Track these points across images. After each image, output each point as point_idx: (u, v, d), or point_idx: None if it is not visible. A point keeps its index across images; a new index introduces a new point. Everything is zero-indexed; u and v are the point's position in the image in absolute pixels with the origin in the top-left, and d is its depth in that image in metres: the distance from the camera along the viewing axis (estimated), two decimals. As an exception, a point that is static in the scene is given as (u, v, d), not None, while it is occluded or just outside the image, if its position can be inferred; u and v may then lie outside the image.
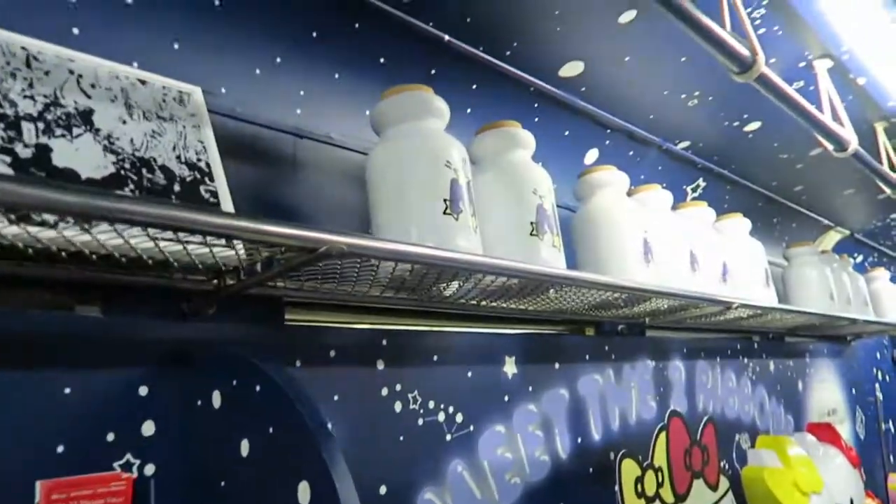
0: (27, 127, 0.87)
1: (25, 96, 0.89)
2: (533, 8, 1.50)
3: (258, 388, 0.89)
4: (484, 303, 1.42)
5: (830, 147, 2.08)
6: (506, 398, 1.52)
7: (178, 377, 1.01)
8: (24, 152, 0.85)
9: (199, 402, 0.98)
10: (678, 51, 1.81)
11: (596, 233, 1.64)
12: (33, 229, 0.77)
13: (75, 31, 0.99)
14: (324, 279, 1.10)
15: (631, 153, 2.18)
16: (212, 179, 1.03)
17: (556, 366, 1.68)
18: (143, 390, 0.99)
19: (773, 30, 1.86)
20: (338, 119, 1.37)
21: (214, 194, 1.02)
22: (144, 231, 0.77)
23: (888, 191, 2.66)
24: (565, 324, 1.87)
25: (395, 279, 1.18)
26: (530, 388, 1.59)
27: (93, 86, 0.96)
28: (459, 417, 1.40)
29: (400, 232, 1.18)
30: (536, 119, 1.79)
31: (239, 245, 0.93)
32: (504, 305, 1.47)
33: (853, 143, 2.08)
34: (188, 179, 1.00)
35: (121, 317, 0.99)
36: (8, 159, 0.83)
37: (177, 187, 0.98)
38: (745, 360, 2.61)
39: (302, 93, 1.30)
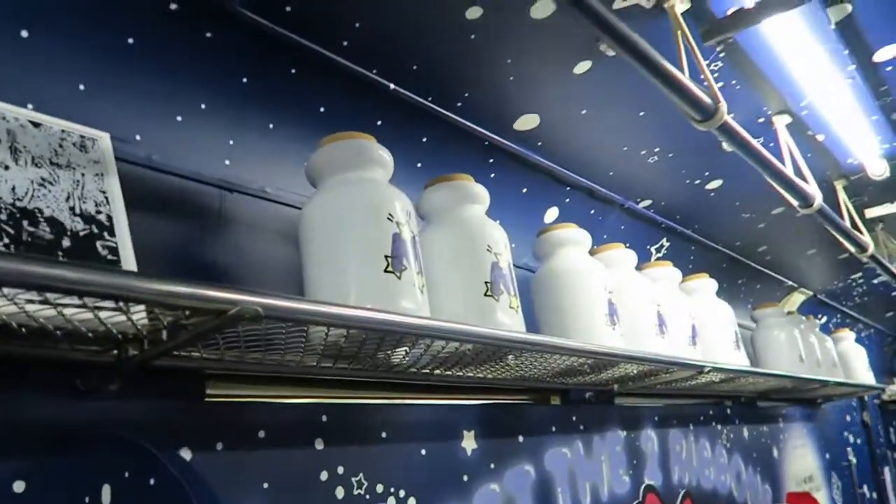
0: None
1: None
2: (482, 56, 1.43)
3: (152, 481, 0.74)
4: (437, 371, 1.28)
5: (796, 203, 2.04)
6: (465, 478, 1.37)
7: (64, 469, 0.84)
8: None
9: (87, 500, 0.81)
10: (636, 103, 1.76)
11: (557, 294, 1.53)
12: None
13: (-45, 65, 0.87)
14: (247, 347, 0.96)
15: (592, 212, 2.11)
16: (112, 234, 0.89)
17: (520, 439, 1.54)
18: (18, 486, 0.82)
19: (731, 83, 1.83)
20: (272, 172, 1.25)
21: (114, 251, 0.88)
22: None
23: (852, 249, 2.62)
24: (529, 392, 1.74)
25: (330, 346, 1.04)
26: (492, 465, 1.44)
27: (-29, 127, 0.83)
28: (412, 502, 1.24)
29: (335, 292, 1.05)
30: (492, 175, 1.70)
31: (137, 309, 0.79)
32: (460, 374, 1.33)
33: (818, 199, 2.03)
34: (82, 234, 0.86)
35: (-6, 396, 0.83)
36: None
37: (66, 242, 0.84)
38: (719, 426, 2.49)
39: (231, 142, 1.19)
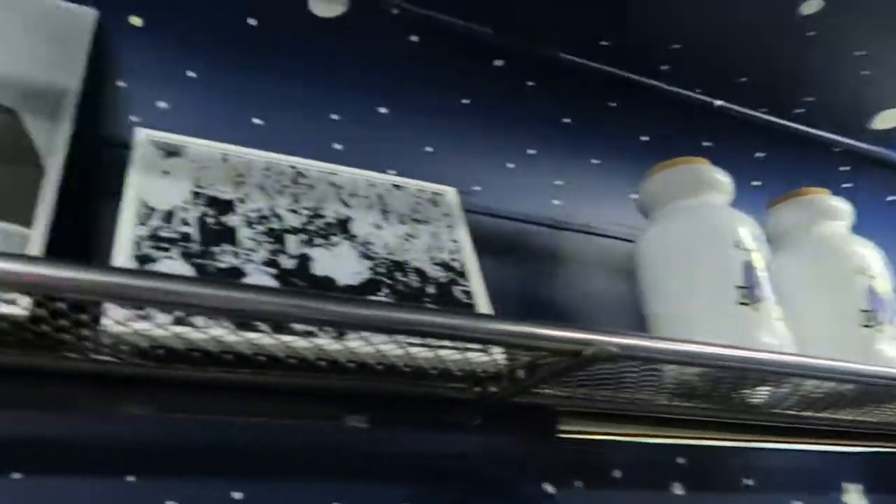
0: (291, 239, 0.88)
1: (291, 210, 0.91)
2: (825, 53, 1.26)
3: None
4: (806, 413, 1.12)
5: None
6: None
7: (440, 495, 0.90)
8: (288, 263, 0.86)
9: None
10: None
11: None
12: (286, 338, 0.75)
13: (337, 146, 1.02)
14: (598, 385, 0.94)
15: None
16: (466, 279, 0.95)
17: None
18: (407, 509, 0.90)
19: None
20: (598, 206, 1.24)
21: (469, 294, 0.94)
22: (392, 338, 0.71)
23: None
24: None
25: (682, 384, 0.98)
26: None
27: (352, 195, 0.97)
28: None
29: (683, 328, 0.98)
30: (847, 185, 1.47)
31: (497, 350, 0.83)
32: (834, 417, 1.14)
33: None
34: (442, 280, 0.93)
35: (386, 428, 0.93)
36: (273, 271, 0.84)
37: (430, 289, 0.92)
38: None
39: (558, 182, 1.21)
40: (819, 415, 1.13)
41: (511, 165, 1.17)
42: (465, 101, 1.12)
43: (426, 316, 0.66)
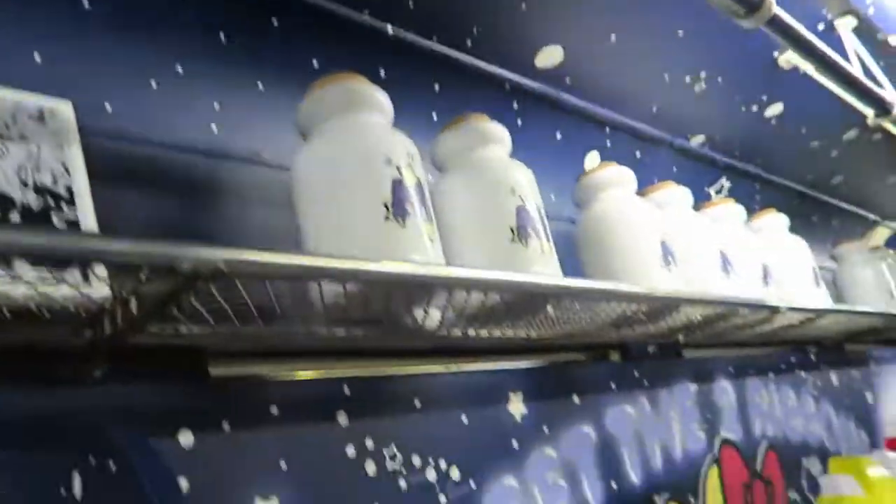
0: None
1: None
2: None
3: (113, 467, 0.79)
4: (472, 332, 1.04)
5: (871, 112, 1.75)
6: (515, 444, 1.22)
7: (38, 463, 0.78)
8: None
9: (62, 491, 0.78)
10: (671, 22, 1.48)
11: (603, 239, 1.34)
12: None
13: None
14: (240, 319, 0.80)
15: (638, 154, 1.82)
16: (73, 208, 0.82)
17: (576, 399, 1.38)
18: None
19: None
20: (265, 135, 1.11)
21: (75, 224, 0.81)
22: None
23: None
24: (584, 350, 1.52)
25: (333, 309, 0.89)
26: (545, 429, 1.28)
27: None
28: (455, 473, 1.13)
29: (330, 247, 0.96)
30: (520, 121, 1.49)
31: (102, 284, 0.72)
32: (499, 334, 1.10)
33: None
34: (35, 208, 0.79)
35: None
36: None
37: (15, 216, 0.77)
38: (803, 374, 2.16)
39: (217, 106, 1.07)
40: (482, 333, 1.07)
41: (156, 84, 1.02)
42: (86, 4, 0.94)
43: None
